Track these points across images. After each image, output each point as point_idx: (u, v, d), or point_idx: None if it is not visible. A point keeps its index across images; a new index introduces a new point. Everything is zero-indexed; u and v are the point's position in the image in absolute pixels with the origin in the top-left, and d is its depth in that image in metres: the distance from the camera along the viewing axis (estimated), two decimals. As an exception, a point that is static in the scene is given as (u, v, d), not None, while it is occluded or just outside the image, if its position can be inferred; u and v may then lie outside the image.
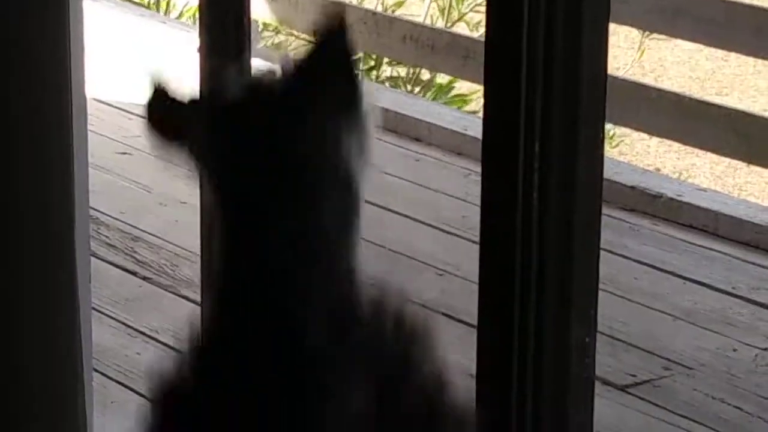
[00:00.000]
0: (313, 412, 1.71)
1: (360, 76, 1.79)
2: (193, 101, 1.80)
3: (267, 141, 1.76)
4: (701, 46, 5.10)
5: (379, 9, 5.79)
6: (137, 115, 4.79)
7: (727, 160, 4.87)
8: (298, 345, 1.72)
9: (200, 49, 2.31)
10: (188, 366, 1.76)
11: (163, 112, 1.80)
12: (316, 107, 1.74)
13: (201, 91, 1.97)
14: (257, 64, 1.92)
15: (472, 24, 5.87)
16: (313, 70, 1.72)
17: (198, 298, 2.61)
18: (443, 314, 3.14)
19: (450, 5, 6.07)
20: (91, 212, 2.88)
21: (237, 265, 1.81)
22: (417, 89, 5.83)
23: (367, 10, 5.52)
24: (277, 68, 1.77)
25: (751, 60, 5.39)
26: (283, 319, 1.75)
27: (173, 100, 1.79)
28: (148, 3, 6.09)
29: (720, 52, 5.27)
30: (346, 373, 1.71)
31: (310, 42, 1.77)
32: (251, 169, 1.78)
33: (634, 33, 5.32)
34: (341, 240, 1.76)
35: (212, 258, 2.16)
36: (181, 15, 5.93)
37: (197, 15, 2.54)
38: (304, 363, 1.71)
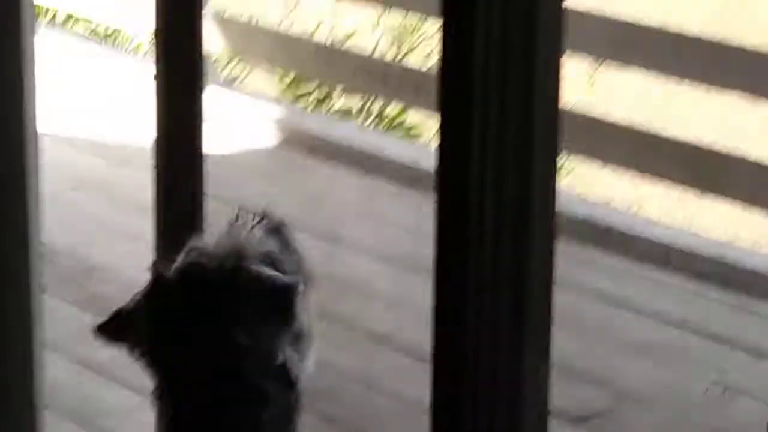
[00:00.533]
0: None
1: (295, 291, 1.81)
2: (132, 312, 1.84)
3: (205, 342, 1.81)
4: (653, 77, 5.17)
5: (330, 41, 5.80)
6: (89, 149, 4.89)
7: (678, 191, 4.93)
8: None
9: (156, 78, 2.32)
10: None
11: (111, 331, 1.83)
12: (248, 315, 1.80)
13: (139, 300, 1.91)
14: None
15: (423, 56, 5.88)
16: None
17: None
18: (395, 347, 3.32)
19: (401, 36, 6.12)
20: (43, 245, 2.68)
21: None
22: (368, 121, 5.79)
23: (318, 43, 5.57)
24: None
25: (702, 91, 5.46)
26: None
27: (118, 319, 1.83)
28: (105, 35, 6.10)
29: (671, 83, 5.33)
30: None
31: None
32: (190, 367, 1.84)
33: (585, 63, 5.38)
34: (274, 422, 1.80)
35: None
36: (137, 47, 5.92)
37: (153, 47, 2.52)
38: None
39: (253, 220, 1.84)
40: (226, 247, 1.83)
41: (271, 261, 1.85)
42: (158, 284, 1.85)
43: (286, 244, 1.89)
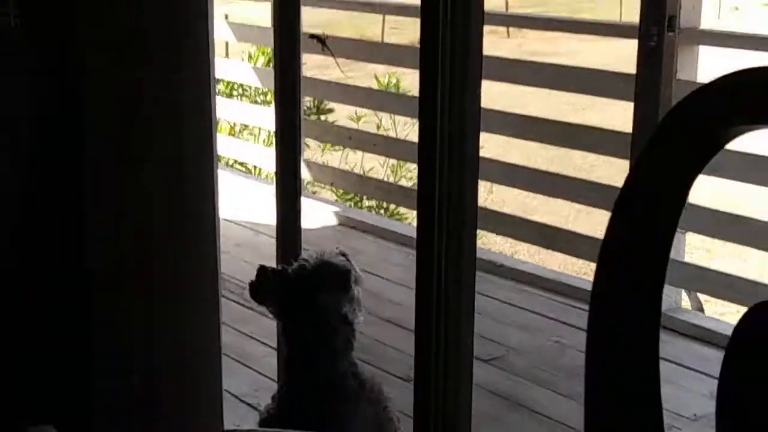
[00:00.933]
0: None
1: (352, 275, 2.40)
2: (271, 275, 2.43)
3: (304, 302, 2.40)
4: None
5: (361, 173, 6.95)
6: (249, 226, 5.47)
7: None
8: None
9: (276, 193, 2.85)
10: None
11: (258, 287, 2.43)
12: (325, 287, 2.39)
13: (272, 269, 2.49)
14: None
15: (408, 179, 7.13)
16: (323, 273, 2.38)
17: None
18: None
19: (396, 170, 7.36)
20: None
21: (292, 361, 2.45)
22: (381, 211, 6.97)
23: (355, 174, 6.78)
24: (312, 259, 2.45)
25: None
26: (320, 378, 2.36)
27: (264, 277, 2.42)
28: (256, 171, 7.23)
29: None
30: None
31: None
32: (297, 316, 2.42)
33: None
34: (344, 349, 2.40)
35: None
36: (267, 176, 6.90)
37: (275, 177, 2.98)
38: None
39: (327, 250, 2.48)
40: (315, 257, 2.47)
41: (341, 261, 2.48)
42: (280, 272, 2.43)
43: (346, 259, 2.49)
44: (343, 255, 2.43)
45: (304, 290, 2.35)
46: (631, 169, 0.97)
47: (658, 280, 0.96)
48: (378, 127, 7.19)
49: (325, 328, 2.34)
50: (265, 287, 2.38)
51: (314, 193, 6.68)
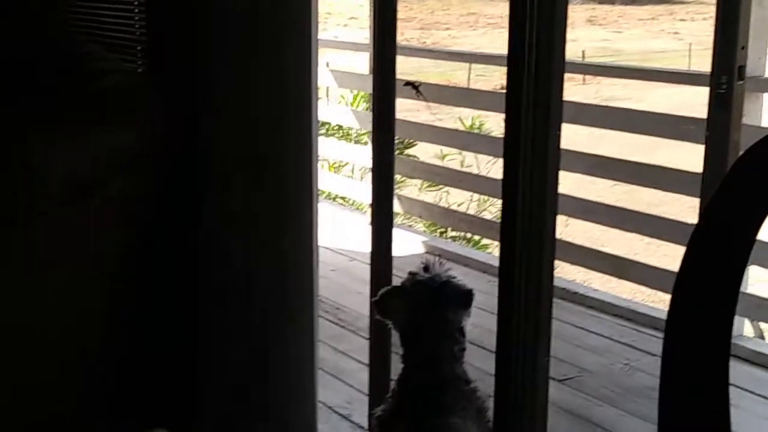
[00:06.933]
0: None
1: (467, 293, 2.46)
2: (394, 293, 2.51)
3: (432, 316, 2.48)
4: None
5: (446, 207, 6.90)
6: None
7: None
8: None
9: (371, 224, 2.79)
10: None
11: (384, 304, 2.51)
12: (453, 304, 2.47)
13: (395, 287, 2.53)
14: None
15: (491, 214, 7.06)
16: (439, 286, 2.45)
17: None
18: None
19: (479, 204, 7.40)
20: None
21: (409, 366, 2.52)
22: (465, 242, 6.92)
23: (441, 206, 6.77)
24: (424, 266, 2.50)
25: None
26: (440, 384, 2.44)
27: (389, 296, 2.49)
28: (351, 203, 7.24)
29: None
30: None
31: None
32: (424, 328, 2.48)
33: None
34: (459, 356, 2.50)
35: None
36: (360, 207, 6.95)
37: (370, 212, 2.93)
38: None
39: (431, 263, 2.52)
40: (429, 272, 2.50)
41: (454, 278, 2.50)
42: (401, 288, 2.50)
43: (451, 273, 2.52)
44: (426, 267, 2.50)
45: (434, 306, 2.44)
46: (704, 209, 0.95)
47: (729, 311, 0.94)
48: (461, 164, 7.25)
49: (448, 338, 2.44)
50: (392, 304, 2.47)
51: (409, 226, 6.70)
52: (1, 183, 2.34)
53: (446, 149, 7.16)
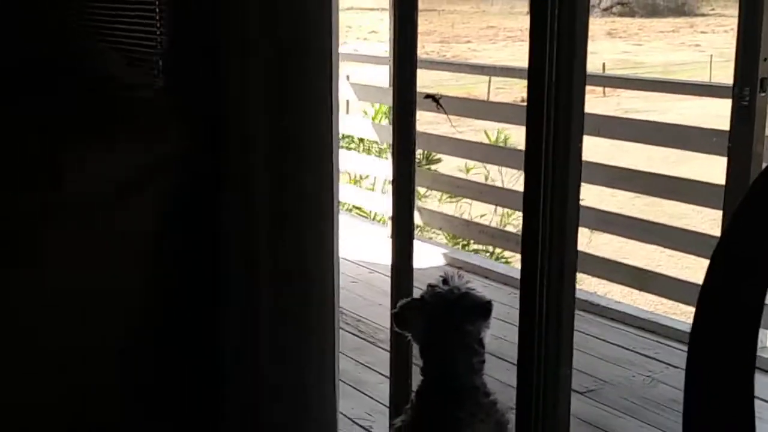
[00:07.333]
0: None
1: (485, 304, 2.45)
2: (412, 305, 2.52)
3: (444, 325, 2.47)
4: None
5: (469, 219, 6.89)
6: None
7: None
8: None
9: (391, 237, 2.87)
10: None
11: (401, 316, 2.53)
12: (472, 315, 2.47)
13: (414, 299, 2.56)
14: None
15: (513, 226, 6.95)
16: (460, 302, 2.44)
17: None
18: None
19: (503, 218, 7.37)
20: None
21: (428, 376, 2.53)
22: (487, 254, 6.93)
23: (463, 219, 6.76)
24: (445, 278, 2.49)
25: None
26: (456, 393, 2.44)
27: (408, 308, 2.50)
28: (371, 215, 7.26)
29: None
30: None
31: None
32: (444, 338, 2.49)
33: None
34: (479, 368, 2.47)
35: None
36: (380, 219, 7.05)
37: (391, 225, 2.98)
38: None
39: (450, 275, 2.52)
40: (448, 284, 2.49)
41: (473, 290, 2.50)
42: (419, 300, 2.52)
43: (470, 285, 2.53)
44: (445, 279, 2.48)
45: (452, 318, 2.43)
46: (728, 222, 0.93)
47: (754, 324, 0.92)
48: (486, 178, 7.20)
49: (466, 349, 2.43)
50: (411, 316, 2.47)
51: (430, 239, 6.69)
52: (32, 193, 2.42)
53: (470, 162, 7.16)
